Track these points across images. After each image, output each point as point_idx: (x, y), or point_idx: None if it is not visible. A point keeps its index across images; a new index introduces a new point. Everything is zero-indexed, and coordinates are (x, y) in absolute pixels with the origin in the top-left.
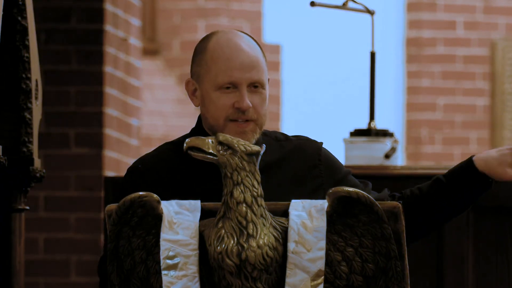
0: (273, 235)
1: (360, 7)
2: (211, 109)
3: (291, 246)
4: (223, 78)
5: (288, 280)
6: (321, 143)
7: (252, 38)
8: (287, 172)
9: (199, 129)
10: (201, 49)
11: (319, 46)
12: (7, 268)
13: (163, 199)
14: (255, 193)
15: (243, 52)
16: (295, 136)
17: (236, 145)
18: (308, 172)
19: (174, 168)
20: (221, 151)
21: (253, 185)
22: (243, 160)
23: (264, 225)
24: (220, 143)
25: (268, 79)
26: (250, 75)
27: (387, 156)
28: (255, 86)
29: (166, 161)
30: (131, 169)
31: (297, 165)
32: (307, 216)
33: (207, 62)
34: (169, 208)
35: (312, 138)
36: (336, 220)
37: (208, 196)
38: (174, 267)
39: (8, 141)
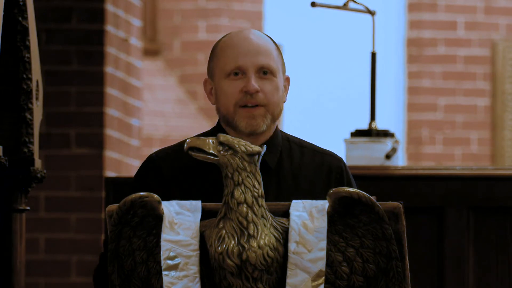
0: (274, 236)
1: (361, 7)
2: (222, 98)
3: (292, 246)
4: (230, 64)
5: (289, 280)
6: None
7: (269, 37)
8: (304, 180)
9: (219, 127)
10: (214, 47)
11: (320, 46)
12: (7, 268)
13: (171, 191)
14: (256, 194)
15: (250, 40)
16: (321, 148)
17: (236, 146)
18: (325, 185)
19: (188, 163)
20: (221, 152)
21: (254, 186)
22: (244, 161)
23: (265, 225)
24: (221, 143)
25: (288, 79)
26: (256, 59)
27: (388, 156)
28: (264, 72)
29: (182, 154)
30: (148, 157)
31: (316, 176)
32: (308, 216)
33: (217, 55)
34: (170, 208)
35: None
36: (337, 221)
37: (218, 195)
38: (175, 267)
39: (9, 142)
